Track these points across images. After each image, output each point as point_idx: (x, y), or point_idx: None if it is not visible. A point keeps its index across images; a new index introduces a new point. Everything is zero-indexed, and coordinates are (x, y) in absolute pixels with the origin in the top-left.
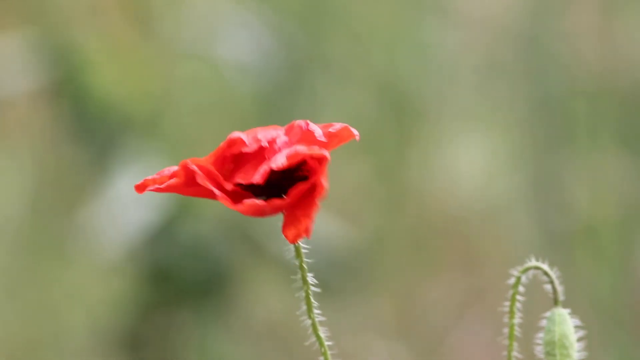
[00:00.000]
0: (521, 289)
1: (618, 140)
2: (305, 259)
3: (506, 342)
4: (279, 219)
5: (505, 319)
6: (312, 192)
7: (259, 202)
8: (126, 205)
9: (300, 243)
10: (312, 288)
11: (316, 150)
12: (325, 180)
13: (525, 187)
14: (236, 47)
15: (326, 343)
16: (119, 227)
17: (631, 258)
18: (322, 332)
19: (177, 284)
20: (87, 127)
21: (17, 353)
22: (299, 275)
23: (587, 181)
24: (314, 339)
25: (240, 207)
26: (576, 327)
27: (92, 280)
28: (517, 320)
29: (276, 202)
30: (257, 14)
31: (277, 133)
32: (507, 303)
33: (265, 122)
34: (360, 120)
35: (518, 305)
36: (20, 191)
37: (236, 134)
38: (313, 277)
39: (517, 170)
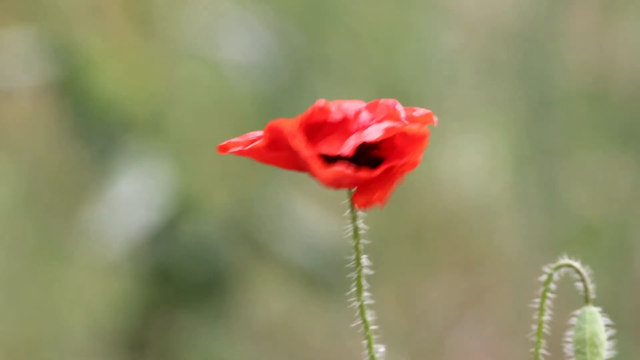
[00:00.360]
0: (516, 288)
1: (617, 141)
2: (361, 241)
3: (533, 339)
4: (279, 219)
5: (507, 318)
6: (398, 167)
7: (347, 170)
8: (127, 205)
9: (359, 224)
10: (365, 270)
11: (415, 127)
12: (420, 157)
13: (524, 187)
14: (237, 48)
15: (371, 327)
16: (120, 227)
17: (630, 258)
18: (369, 316)
19: (178, 284)
20: (89, 126)
21: (17, 353)
22: (353, 256)
23: (587, 181)
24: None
25: (327, 173)
26: (606, 325)
27: (93, 280)
28: (545, 318)
29: (363, 174)
30: (257, 14)
31: (361, 106)
32: (536, 300)
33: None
34: None
35: (540, 302)
36: (21, 190)
37: (322, 102)
38: (311, 277)
39: (517, 170)
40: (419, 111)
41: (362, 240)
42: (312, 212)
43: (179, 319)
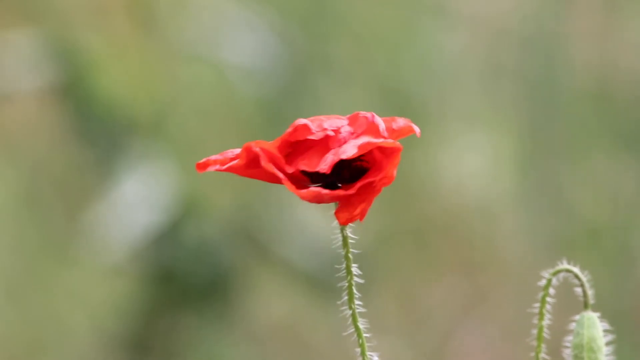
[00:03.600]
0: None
1: (621, 143)
2: (351, 250)
3: (534, 343)
4: (282, 221)
5: (510, 321)
6: (376, 182)
7: (323, 191)
8: (130, 207)
9: (348, 233)
10: (356, 279)
11: (389, 141)
12: (395, 171)
13: (528, 189)
14: (240, 50)
15: (364, 335)
16: (123, 229)
17: (634, 261)
18: (361, 324)
19: (181, 286)
20: (92, 128)
21: (20, 355)
22: (344, 265)
23: (590, 184)
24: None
25: (303, 193)
26: (605, 331)
27: (96, 282)
28: (545, 322)
29: (339, 192)
30: (260, 16)
31: (342, 122)
32: (536, 305)
33: (269, 124)
34: None
35: (548, 307)
36: (24, 192)
37: (302, 121)
38: (314, 279)
39: (520, 172)
40: (399, 122)
41: (352, 250)
42: (315, 214)
43: (182, 321)
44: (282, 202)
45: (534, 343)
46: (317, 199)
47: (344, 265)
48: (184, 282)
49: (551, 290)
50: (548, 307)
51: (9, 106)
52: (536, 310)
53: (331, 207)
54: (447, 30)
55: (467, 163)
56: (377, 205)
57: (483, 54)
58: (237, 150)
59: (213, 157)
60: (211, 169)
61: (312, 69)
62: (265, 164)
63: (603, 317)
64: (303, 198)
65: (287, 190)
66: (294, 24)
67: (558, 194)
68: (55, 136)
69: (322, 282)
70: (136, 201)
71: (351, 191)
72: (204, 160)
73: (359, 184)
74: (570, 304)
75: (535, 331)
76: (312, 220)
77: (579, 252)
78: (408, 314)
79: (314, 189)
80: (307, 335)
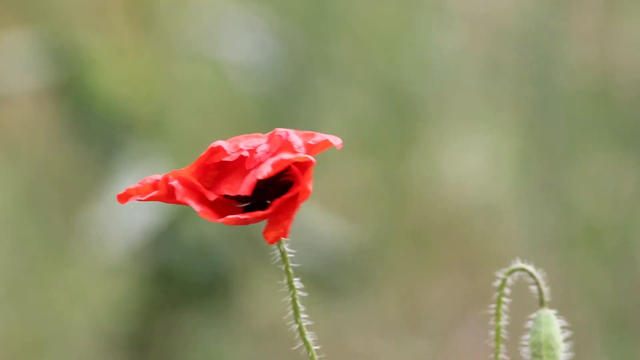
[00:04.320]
0: (507, 291)
1: (621, 142)
2: (291, 264)
3: (493, 344)
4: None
5: (511, 319)
6: (295, 197)
7: (241, 216)
8: (129, 207)
9: (285, 248)
10: (300, 293)
11: (301, 156)
12: (310, 185)
13: (527, 188)
14: (239, 49)
15: (314, 347)
16: (121, 229)
17: (634, 259)
18: (310, 337)
19: (180, 285)
20: (91, 127)
21: (19, 355)
22: (285, 281)
23: (590, 182)
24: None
25: (223, 221)
26: (562, 327)
27: (95, 281)
28: (504, 322)
29: (258, 214)
30: (260, 16)
31: (259, 142)
32: (493, 306)
33: (268, 124)
34: (363, 122)
35: (505, 307)
36: (23, 192)
37: (217, 143)
38: (314, 278)
39: (520, 171)
40: (317, 138)
41: (291, 264)
42: (315, 212)
43: (180, 320)
44: None
45: (492, 345)
46: (242, 222)
47: (341, 265)
48: (182, 281)
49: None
50: (504, 307)
51: (8, 106)
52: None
53: (329, 204)
54: (446, 29)
55: (467, 162)
56: (377, 205)
57: (483, 53)
58: (158, 176)
59: (132, 186)
60: (132, 199)
61: (311, 69)
62: (181, 198)
63: (602, 315)
64: (228, 223)
65: None
66: (294, 23)
67: (558, 193)
68: (55, 136)
69: (322, 281)
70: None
71: (269, 211)
72: (124, 190)
73: (276, 203)
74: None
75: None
76: (312, 219)
77: (579, 251)
78: (407, 312)
79: (232, 216)
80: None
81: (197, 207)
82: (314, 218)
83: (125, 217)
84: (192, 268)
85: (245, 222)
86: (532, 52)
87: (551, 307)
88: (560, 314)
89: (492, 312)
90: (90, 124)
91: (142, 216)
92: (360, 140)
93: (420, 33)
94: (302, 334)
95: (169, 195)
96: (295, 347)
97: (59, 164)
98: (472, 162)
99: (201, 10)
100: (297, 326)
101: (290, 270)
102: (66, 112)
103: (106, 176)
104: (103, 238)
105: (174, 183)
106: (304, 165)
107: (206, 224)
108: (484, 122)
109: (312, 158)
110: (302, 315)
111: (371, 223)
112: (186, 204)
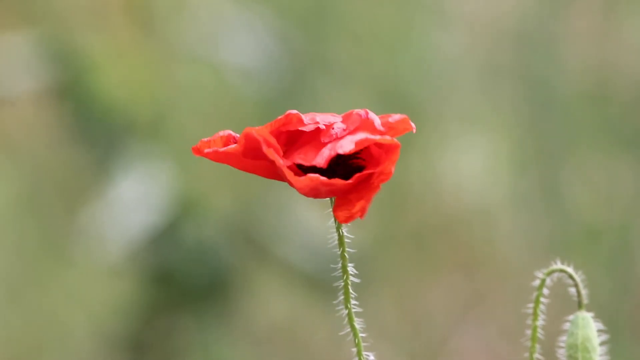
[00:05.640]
0: (546, 291)
1: (619, 143)
2: (348, 249)
3: (528, 343)
4: (281, 222)
5: (509, 321)
6: (371, 177)
7: (322, 178)
8: (129, 208)
9: (344, 232)
10: (352, 279)
11: (387, 139)
12: (393, 168)
13: (526, 190)
14: (239, 51)
15: (360, 335)
16: (121, 230)
17: (632, 261)
18: (358, 324)
19: (179, 286)
20: (90, 129)
21: (19, 355)
22: (339, 265)
23: (589, 184)
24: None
25: (302, 180)
26: (599, 331)
27: (95, 282)
28: (539, 322)
29: (339, 183)
30: (259, 17)
31: (335, 119)
32: (531, 305)
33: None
34: None
35: (541, 307)
36: (23, 193)
37: (294, 111)
38: (313, 280)
39: (519, 172)
40: (395, 117)
41: (349, 249)
42: (314, 214)
43: (180, 322)
44: (281, 203)
45: (528, 343)
46: (315, 190)
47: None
48: (182, 282)
49: (545, 291)
50: (542, 307)
51: (8, 108)
52: (531, 311)
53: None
54: (445, 31)
55: (466, 164)
56: (376, 207)
57: (481, 54)
58: (228, 132)
59: (206, 139)
60: (206, 152)
61: (311, 70)
62: (266, 150)
63: (601, 317)
64: (300, 187)
65: (285, 189)
66: (293, 24)
67: (556, 195)
68: (55, 137)
69: (321, 283)
70: (135, 202)
71: (350, 182)
72: (198, 143)
73: (357, 176)
74: (565, 304)
75: (529, 331)
76: (310, 220)
77: (578, 253)
78: (406, 314)
79: (313, 175)
80: (306, 336)
81: (280, 161)
82: (312, 220)
83: (125, 218)
84: (191, 269)
85: (319, 189)
86: (530, 54)
87: (545, 307)
88: (560, 314)
89: (492, 313)
90: (90, 126)
91: (142, 217)
92: None
93: (419, 34)
94: (350, 320)
95: (246, 153)
96: (296, 349)
97: (59, 165)
98: (470, 163)
99: (200, 12)
100: (346, 311)
101: (346, 255)
102: (66, 113)
103: (106, 177)
104: (103, 239)
105: (260, 137)
106: (386, 147)
107: (205, 226)
108: (483, 124)
109: (398, 142)
110: (352, 302)
111: (371, 224)
112: (263, 163)
